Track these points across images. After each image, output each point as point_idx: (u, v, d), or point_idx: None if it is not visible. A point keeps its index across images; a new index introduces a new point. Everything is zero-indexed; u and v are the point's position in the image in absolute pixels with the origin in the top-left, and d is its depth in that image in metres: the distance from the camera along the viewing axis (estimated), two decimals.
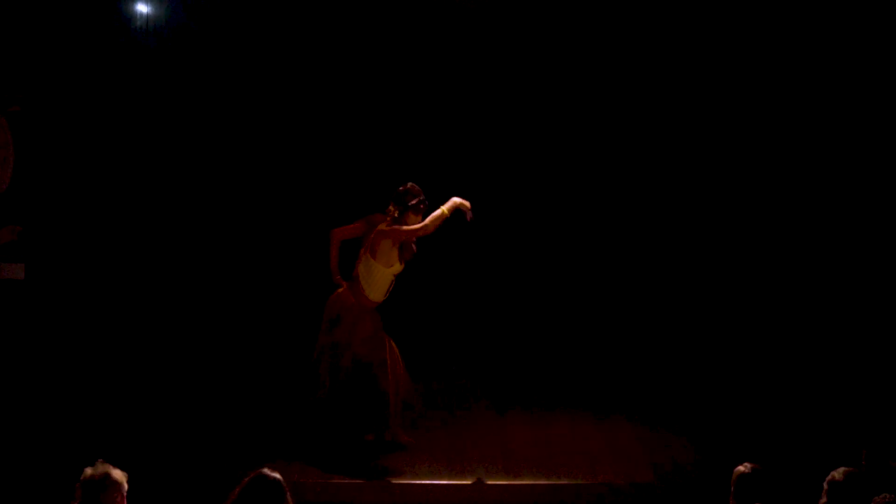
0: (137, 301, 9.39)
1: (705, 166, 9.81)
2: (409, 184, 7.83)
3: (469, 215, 7.72)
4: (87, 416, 8.52)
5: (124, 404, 8.81)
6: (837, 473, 5.40)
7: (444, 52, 9.62)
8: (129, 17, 9.16)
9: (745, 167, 9.71)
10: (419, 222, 7.76)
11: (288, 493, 5.01)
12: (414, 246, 7.87)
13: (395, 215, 7.79)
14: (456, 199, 7.70)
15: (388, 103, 9.66)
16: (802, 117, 9.41)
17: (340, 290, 7.96)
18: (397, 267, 7.87)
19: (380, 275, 7.84)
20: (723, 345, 9.73)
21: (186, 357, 9.27)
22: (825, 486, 5.36)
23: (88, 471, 5.09)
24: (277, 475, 5.05)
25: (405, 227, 7.75)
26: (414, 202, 7.77)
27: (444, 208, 7.69)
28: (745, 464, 5.48)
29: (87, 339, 9.41)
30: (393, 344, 8.01)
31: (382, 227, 7.80)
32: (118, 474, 5.08)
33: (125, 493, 5.09)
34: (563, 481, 7.63)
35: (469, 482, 7.57)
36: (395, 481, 7.61)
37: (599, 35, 9.61)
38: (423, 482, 7.60)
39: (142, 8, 9.17)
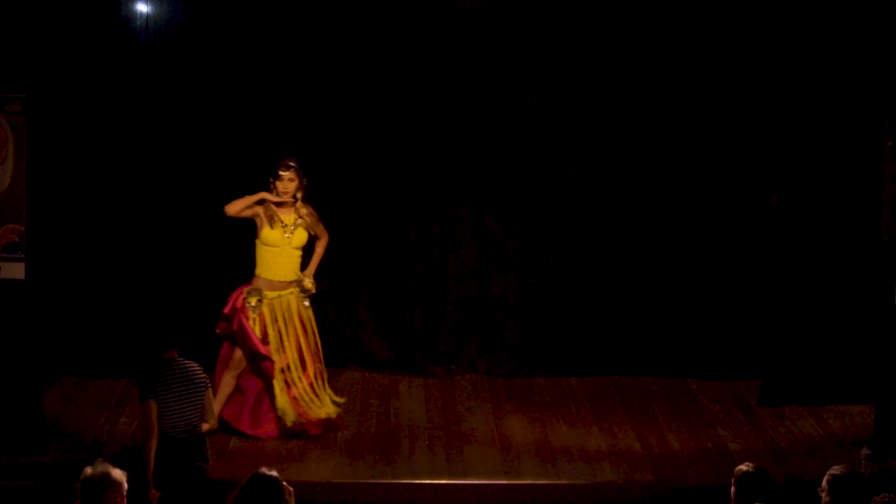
0: (138, 300, 9.38)
1: (697, 164, 9.76)
2: None
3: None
4: (87, 415, 8.54)
5: (124, 403, 8.81)
6: (836, 469, 5.39)
7: (450, 53, 9.61)
8: (128, 16, 9.15)
9: (747, 166, 9.67)
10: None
11: (286, 492, 5.01)
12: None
13: None
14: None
15: (395, 103, 9.63)
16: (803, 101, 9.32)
17: None
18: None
19: None
20: (723, 342, 9.70)
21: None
22: (825, 484, 5.35)
23: (88, 470, 5.08)
24: (275, 473, 5.04)
25: None
26: None
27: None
28: (747, 463, 5.47)
29: (87, 338, 9.39)
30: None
31: None
32: (118, 474, 5.08)
33: (125, 493, 5.09)
34: (563, 481, 7.63)
35: (469, 482, 7.58)
36: (395, 481, 7.61)
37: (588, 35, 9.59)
38: (423, 482, 7.60)
39: (142, 7, 9.15)
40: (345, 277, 9.79)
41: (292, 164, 8.31)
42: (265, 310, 8.18)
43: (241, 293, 8.21)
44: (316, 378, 8.30)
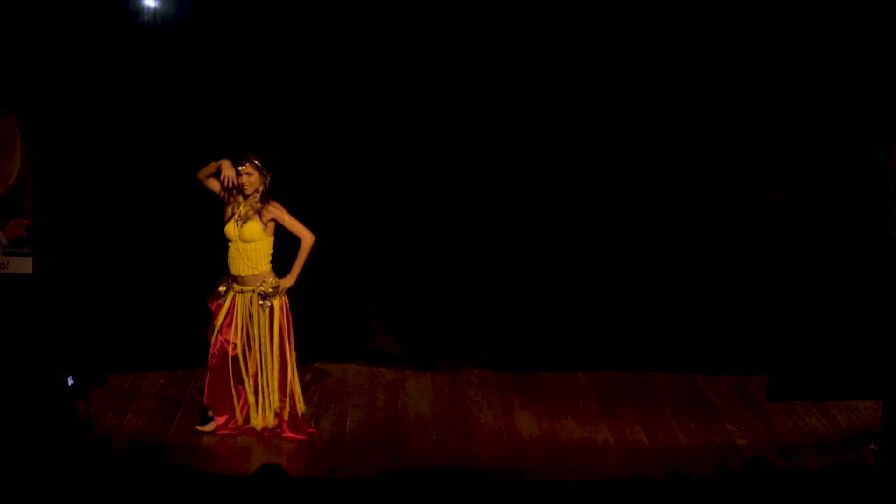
0: (144, 298, 9.41)
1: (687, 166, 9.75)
2: None
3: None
4: (95, 410, 8.55)
5: (132, 398, 8.83)
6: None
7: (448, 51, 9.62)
8: (136, 11, 9.16)
9: (755, 162, 9.65)
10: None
11: (291, 483, 5.03)
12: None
13: None
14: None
15: (404, 102, 9.63)
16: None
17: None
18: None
19: None
20: (731, 338, 9.69)
21: (192, 354, 9.26)
22: None
23: None
24: (279, 467, 5.07)
25: None
26: None
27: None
28: (752, 458, 5.46)
29: (93, 334, 9.41)
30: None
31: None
32: None
33: None
34: (571, 476, 7.62)
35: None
36: (401, 476, 7.60)
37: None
38: (430, 477, 7.58)
39: (149, 2, 9.16)
40: (353, 272, 9.80)
41: (251, 158, 8.13)
42: (229, 300, 8.16)
43: None
44: (260, 386, 8.15)
